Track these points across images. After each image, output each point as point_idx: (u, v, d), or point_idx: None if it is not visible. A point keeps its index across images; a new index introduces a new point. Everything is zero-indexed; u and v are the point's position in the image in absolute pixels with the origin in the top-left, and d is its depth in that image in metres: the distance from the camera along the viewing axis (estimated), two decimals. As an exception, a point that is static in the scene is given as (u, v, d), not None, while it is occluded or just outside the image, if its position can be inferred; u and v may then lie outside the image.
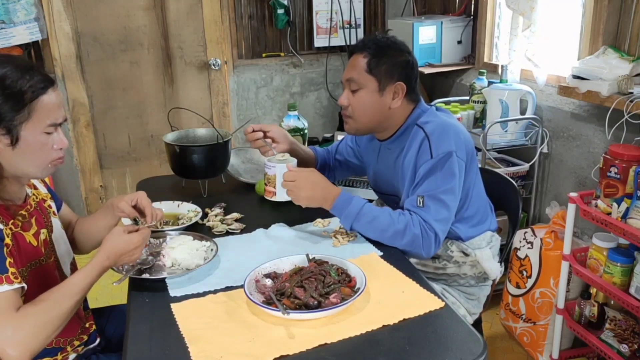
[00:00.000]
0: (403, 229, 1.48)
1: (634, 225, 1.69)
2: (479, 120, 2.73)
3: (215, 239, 1.52)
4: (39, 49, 3.19)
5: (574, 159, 2.39)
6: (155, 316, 1.22)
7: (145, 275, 1.36)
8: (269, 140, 1.75)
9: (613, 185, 1.79)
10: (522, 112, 2.53)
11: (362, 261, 1.39)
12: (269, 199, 1.60)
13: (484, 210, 1.72)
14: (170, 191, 1.98)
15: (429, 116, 1.63)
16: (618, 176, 1.76)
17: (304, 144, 2.47)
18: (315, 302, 1.19)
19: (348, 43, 3.62)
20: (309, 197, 1.53)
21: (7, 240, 1.17)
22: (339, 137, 2.84)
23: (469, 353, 1.06)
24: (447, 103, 2.83)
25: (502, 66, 2.63)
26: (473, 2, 3.07)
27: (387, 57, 1.59)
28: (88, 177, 3.51)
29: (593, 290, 2.04)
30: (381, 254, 1.47)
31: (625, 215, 1.74)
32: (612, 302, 2.03)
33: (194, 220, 1.68)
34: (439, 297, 1.25)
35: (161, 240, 1.51)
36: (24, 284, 1.17)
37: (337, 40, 3.63)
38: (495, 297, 2.25)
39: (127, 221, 1.53)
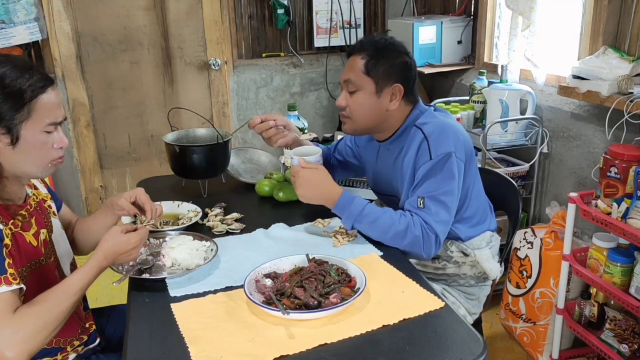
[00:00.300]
0: (404, 230, 1.48)
1: (634, 225, 1.69)
2: (479, 120, 2.72)
3: (215, 239, 1.52)
4: (39, 49, 3.19)
5: (574, 159, 2.39)
6: (155, 316, 1.22)
7: (145, 275, 1.36)
8: (280, 127, 1.75)
9: (613, 185, 1.79)
10: (522, 112, 2.53)
11: (362, 261, 1.39)
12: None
13: (484, 210, 1.72)
14: (170, 191, 1.98)
15: (427, 117, 1.62)
16: (618, 176, 1.76)
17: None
18: (315, 302, 1.19)
19: (348, 43, 3.62)
20: (307, 196, 1.54)
21: (7, 241, 1.17)
22: (339, 137, 2.83)
23: (469, 353, 1.06)
24: (447, 103, 2.83)
25: (502, 66, 2.63)
26: (473, 2, 3.07)
27: (385, 59, 1.58)
28: (88, 177, 3.51)
29: (593, 290, 2.04)
30: (381, 254, 1.47)
31: (625, 215, 1.74)
32: (612, 302, 2.02)
33: (194, 220, 1.68)
34: (439, 297, 1.25)
35: (161, 240, 1.51)
36: (23, 285, 1.16)
37: (337, 40, 3.63)
38: (495, 297, 2.25)
39: (127, 220, 1.53)
